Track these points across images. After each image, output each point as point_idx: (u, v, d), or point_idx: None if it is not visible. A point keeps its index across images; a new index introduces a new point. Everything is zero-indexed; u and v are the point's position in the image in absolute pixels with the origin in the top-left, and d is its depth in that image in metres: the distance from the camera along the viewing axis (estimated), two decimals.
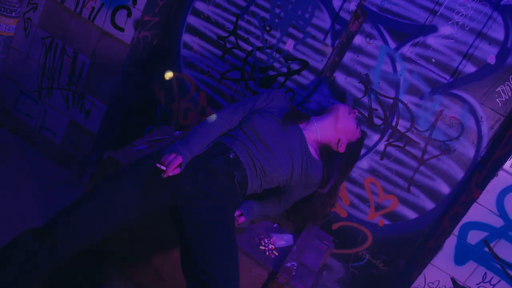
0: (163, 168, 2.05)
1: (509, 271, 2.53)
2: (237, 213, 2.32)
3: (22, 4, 2.95)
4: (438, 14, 2.54)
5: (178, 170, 2.09)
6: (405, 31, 2.61)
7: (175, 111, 3.12)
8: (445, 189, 2.74)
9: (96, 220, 1.98)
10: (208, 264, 1.95)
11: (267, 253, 2.36)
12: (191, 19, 2.97)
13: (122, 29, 2.81)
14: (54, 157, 3.16)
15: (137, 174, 2.11)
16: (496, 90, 2.55)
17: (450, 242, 2.58)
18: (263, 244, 2.40)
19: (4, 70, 3.10)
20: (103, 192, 2.02)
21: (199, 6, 2.94)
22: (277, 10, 2.79)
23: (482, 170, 2.59)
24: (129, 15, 2.78)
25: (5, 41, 2.89)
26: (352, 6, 2.66)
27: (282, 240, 2.51)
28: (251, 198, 2.49)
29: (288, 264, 2.30)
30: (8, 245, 1.93)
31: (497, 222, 2.49)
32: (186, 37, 3.01)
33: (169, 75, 3.06)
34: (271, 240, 2.46)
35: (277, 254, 2.39)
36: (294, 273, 2.30)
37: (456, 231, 2.56)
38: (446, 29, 2.55)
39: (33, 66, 3.06)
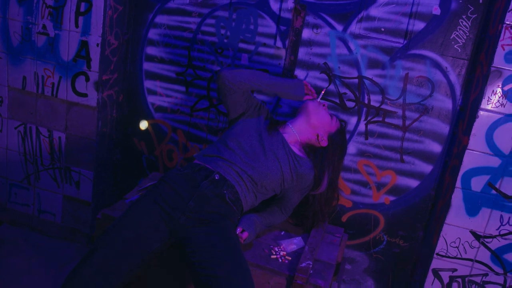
0: None
1: None
2: (238, 230, 2.32)
3: None
4: None
5: None
6: (347, 10, 2.66)
7: (159, 156, 3.15)
8: (436, 147, 2.73)
9: (103, 276, 1.99)
10: (221, 286, 1.95)
11: (280, 260, 2.34)
12: (147, 66, 3.04)
13: (85, 95, 2.88)
14: (59, 235, 3.18)
15: (130, 219, 2.13)
16: (451, 37, 2.57)
17: (457, 196, 2.55)
18: (274, 253, 2.39)
19: None
20: (101, 248, 2.03)
21: (150, 51, 3.01)
22: (222, 31, 2.85)
23: (464, 117, 2.58)
24: (87, 79, 2.85)
25: None
26: (290, 4, 2.72)
27: (292, 244, 2.49)
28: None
29: (303, 264, 2.28)
30: None
31: (495, 162, 2.46)
32: (148, 84, 3.07)
33: (144, 125, 3.11)
34: (281, 247, 2.45)
35: (290, 258, 2.37)
36: (311, 271, 2.27)
37: (458, 183, 2.53)
38: None
39: (15, 156, 3.13)
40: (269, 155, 2.35)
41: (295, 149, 2.47)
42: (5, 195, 3.23)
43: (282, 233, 2.60)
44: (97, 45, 2.79)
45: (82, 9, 2.76)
